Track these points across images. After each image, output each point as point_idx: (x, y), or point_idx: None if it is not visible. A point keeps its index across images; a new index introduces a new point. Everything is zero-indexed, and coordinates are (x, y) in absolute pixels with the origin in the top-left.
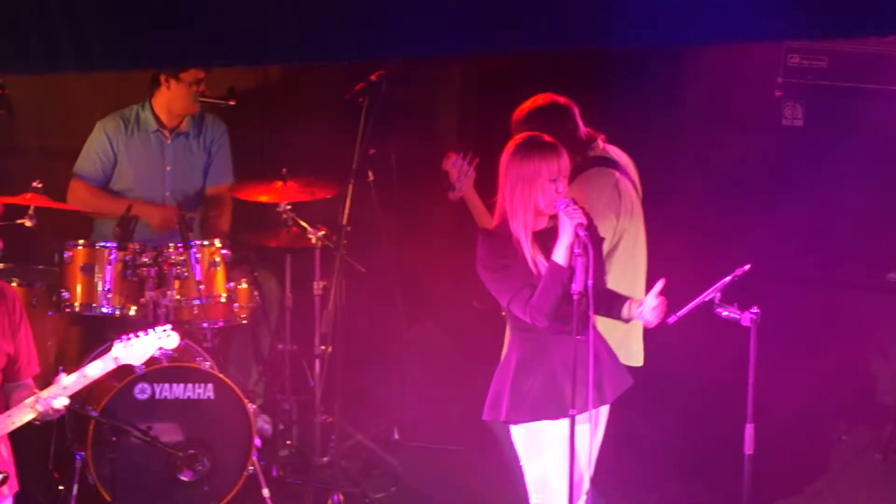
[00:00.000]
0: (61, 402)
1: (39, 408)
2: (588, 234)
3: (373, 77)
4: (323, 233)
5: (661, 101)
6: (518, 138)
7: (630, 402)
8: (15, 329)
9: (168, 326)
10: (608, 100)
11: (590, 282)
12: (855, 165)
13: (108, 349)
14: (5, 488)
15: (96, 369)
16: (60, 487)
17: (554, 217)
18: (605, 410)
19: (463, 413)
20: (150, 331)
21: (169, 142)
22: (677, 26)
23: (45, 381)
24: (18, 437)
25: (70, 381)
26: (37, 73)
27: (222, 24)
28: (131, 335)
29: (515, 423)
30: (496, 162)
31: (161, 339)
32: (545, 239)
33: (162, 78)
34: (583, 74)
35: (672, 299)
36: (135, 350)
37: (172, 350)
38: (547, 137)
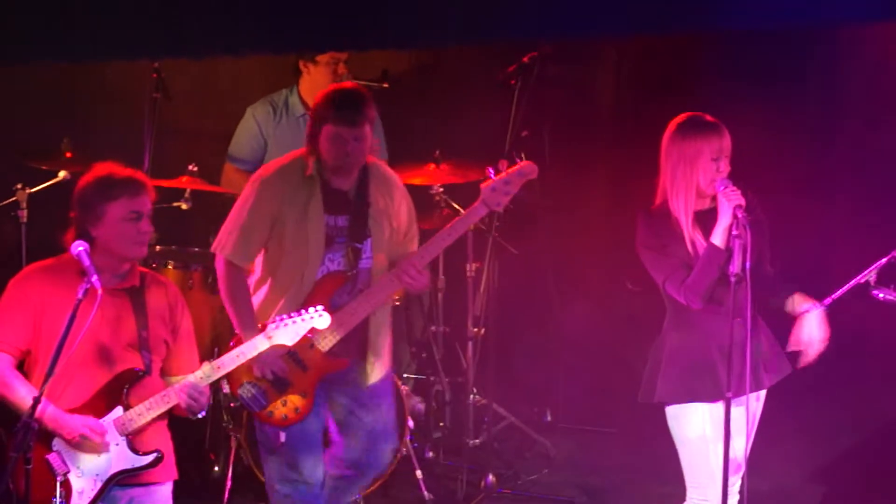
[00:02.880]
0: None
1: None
2: (748, 216)
3: (525, 59)
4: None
5: (817, 83)
6: (679, 118)
7: (789, 386)
8: (176, 325)
9: (321, 307)
10: (762, 80)
11: (748, 264)
12: None
13: (263, 329)
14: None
15: (251, 349)
16: (216, 469)
17: (715, 198)
18: (761, 395)
19: (616, 395)
20: (302, 311)
21: None
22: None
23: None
24: (174, 419)
25: (225, 361)
26: (192, 57)
27: (374, 5)
28: (284, 315)
29: (669, 404)
30: (651, 141)
31: (314, 320)
32: (705, 220)
33: (300, 64)
34: (735, 53)
35: (828, 281)
36: (288, 330)
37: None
38: (709, 117)
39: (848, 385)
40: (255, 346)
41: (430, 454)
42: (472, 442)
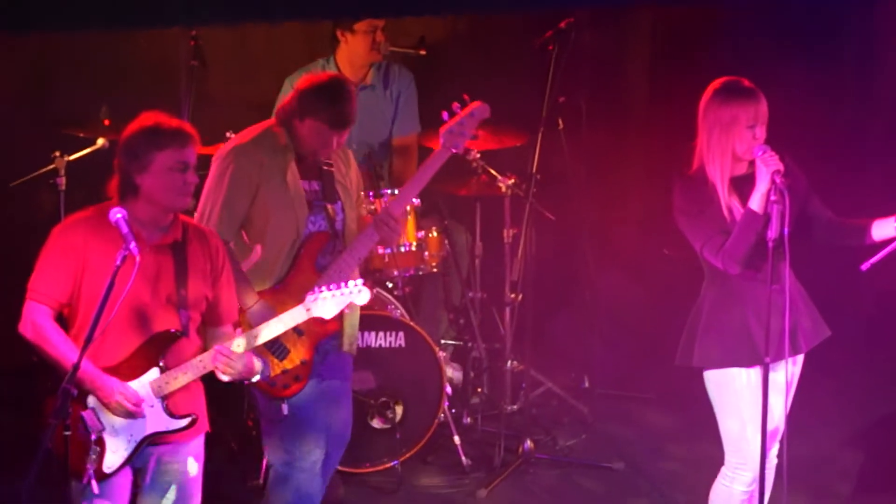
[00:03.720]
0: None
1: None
2: (786, 180)
3: (562, 24)
4: (513, 181)
5: (854, 48)
6: (716, 83)
7: (826, 350)
8: (217, 275)
9: (360, 281)
10: (798, 43)
11: (786, 230)
12: None
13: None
14: (193, 431)
15: (290, 320)
16: (253, 433)
17: (752, 163)
18: (799, 360)
19: (653, 361)
20: (342, 285)
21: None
22: None
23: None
24: (217, 388)
25: (263, 331)
26: (227, 24)
27: None
28: (324, 287)
29: (707, 368)
30: (688, 107)
31: (353, 295)
32: (742, 185)
33: (338, 33)
34: (771, 17)
35: (863, 248)
36: (326, 304)
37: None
38: (746, 82)
39: (885, 349)
40: (294, 317)
41: (468, 420)
42: (509, 408)
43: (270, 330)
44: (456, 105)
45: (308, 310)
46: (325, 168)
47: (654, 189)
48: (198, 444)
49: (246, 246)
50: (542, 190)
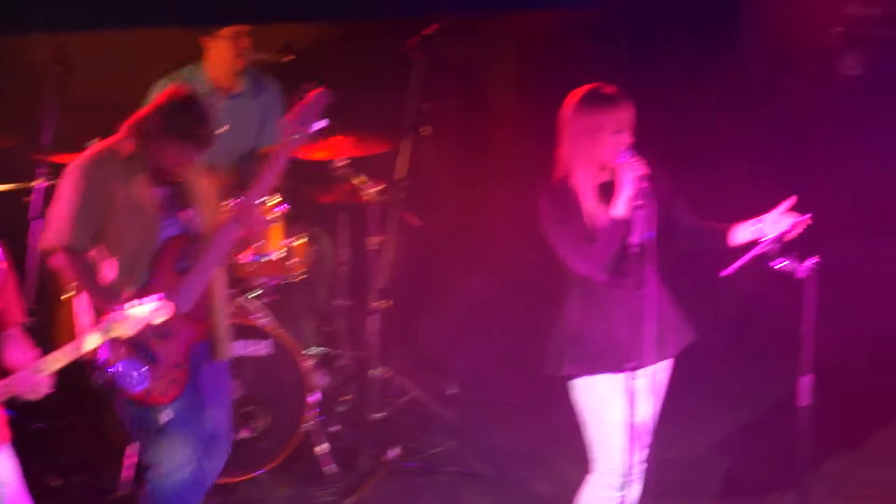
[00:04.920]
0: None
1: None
2: (650, 185)
3: (428, 31)
4: (379, 188)
5: (718, 51)
6: (580, 90)
7: (691, 355)
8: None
9: (155, 297)
10: (662, 48)
11: (650, 234)
12: None
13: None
14: None
15: (84, 344)
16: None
17: (617, 170)
18: (665, 365)
19: (521, 366)
20: (137, 302)
21: (222, 103)
22: None
23: None
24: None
25: (58, 355)
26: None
27: None
28: (121, 306)
29: (575, 376)
30: (555, 114)
31: (149, 312)
32: (608, 192)
33: (202, 39)
34: (633, 24)
35: (729, 252)
36: (125, 323)
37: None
38: (609, 89)
39: (747, 355)
40: (89, 341)
41: (335, 428)
42: (376, 416)
43: (66, 355)
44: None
45: (104, 331)
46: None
47: (521, 195)
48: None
49: (105, 254)
50: (408, 196)
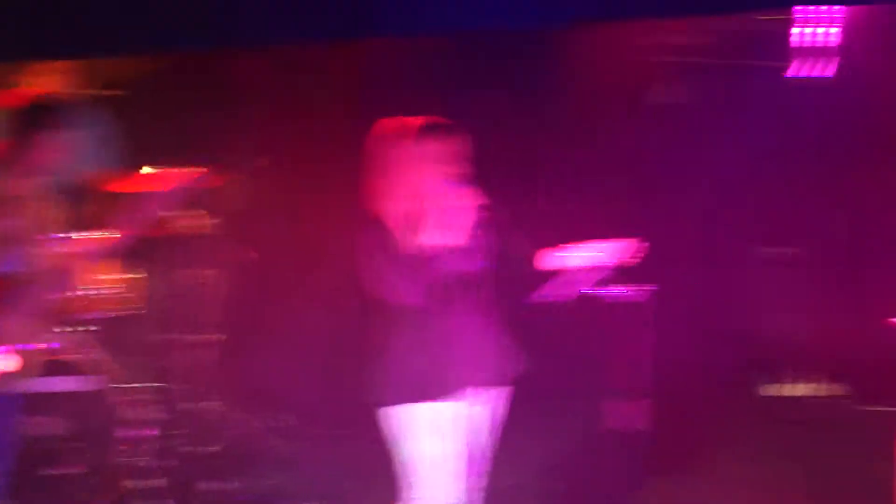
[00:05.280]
0: None
1: None
2: (479, 215)
3: (263, 64)
4: (210, 221)
5: (547, 83)
6: (404, 122)
7: (524, 382)
8: None
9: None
10: (492, 83)
11: (479, 262)
12: (732, 140)
13: None
14: None
15: None
16: None
17: (443, 199)
18: (494, 393)
19: (352, 397)
20: None
21: None
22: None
23: None
24: None
25: None
26: None
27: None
28: None
29: (397, 405)
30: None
31: None
32: (434, 221)
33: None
34: (459, 56)
35: (562, 280)
36: None
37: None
38: (435, 120)
39: (579, 380)
40: None
41: (167, 461)
42: (209, 449)
43: None
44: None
45: None
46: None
47: (343, 225)
48: None
49: None
50: (242, 229)
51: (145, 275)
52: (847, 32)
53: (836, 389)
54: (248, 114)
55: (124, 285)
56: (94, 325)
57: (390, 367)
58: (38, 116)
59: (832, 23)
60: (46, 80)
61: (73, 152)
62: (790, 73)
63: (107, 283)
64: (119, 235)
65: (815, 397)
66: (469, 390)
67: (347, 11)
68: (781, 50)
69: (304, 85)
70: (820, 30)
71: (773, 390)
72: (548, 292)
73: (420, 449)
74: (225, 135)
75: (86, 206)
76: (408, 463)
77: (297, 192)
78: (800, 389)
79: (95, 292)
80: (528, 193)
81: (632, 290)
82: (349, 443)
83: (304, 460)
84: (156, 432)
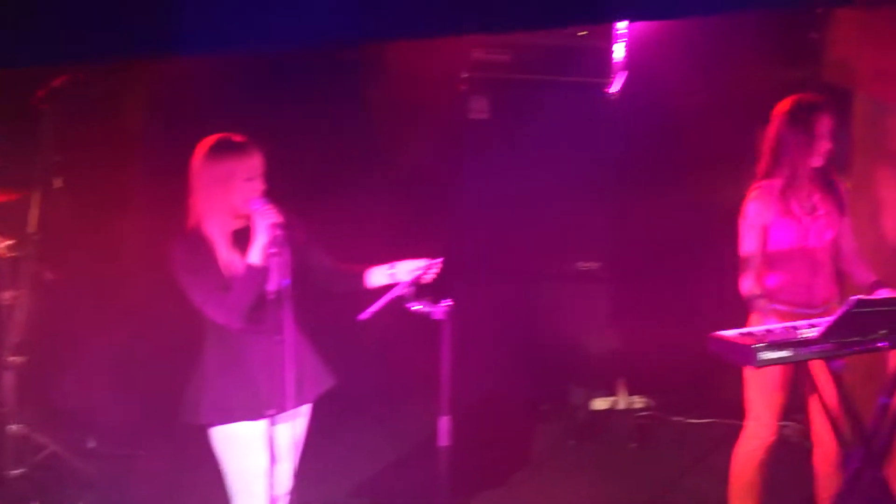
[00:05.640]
0: None
1: None
2: (284, 232)
3: (56, 83)
4: (9, 242)
5: (350, 99)
6: (210, 139)
7: (332, 400)
8: None
9: None
10: (293, 100)
11: (286, 280)
12: (541, 156)
13: None
14: None
15: None
16: None
17: (250, 217)
18: (305, 410)
19: (161, 417)
20: None
21: None
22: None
23: None
24: None
25: None
26: None
27: None
28: None
29: (214, 425)
30: (187, 163)
31: None
32: (242, 239)
33: None
34: (266, 73)
35: (366, 297)
36: None
37: None
38: (239, 137)
39: (387, 397)
40: None
41: None
42: (14, 472)
43: None
44: None
45: None
46: None
47: (156, 244)
48: None
49: None
50: (41, 250)
51: None
52: (661, 48)
53: (653, 403)
54: (50, 131)
55: None
56: None
57: (206, 384)
58: None
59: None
60: None
61: None
62: (607, 88)
63: None
64: None
65: (631, 410)
66: (280, 408)
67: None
68: (600, 66)
69: (107, 102)
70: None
71: (587, 404)
72: (354, 308)
73: (235, 467)
74: (24, 153)
75: None
76: (228, 481)
77: (100, 209)
78: (616, 403)
79: None
80: (334, 210)
81: (439, 307)
82: (159, 463)
83: (110, 483)
84: None
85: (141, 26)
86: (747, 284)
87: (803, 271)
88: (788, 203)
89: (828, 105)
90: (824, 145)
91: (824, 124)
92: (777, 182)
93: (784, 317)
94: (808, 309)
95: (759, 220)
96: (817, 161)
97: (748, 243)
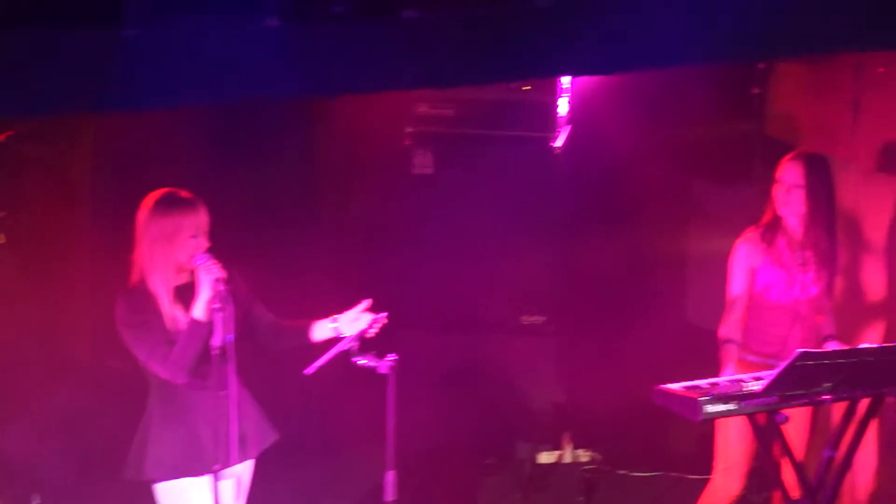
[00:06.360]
0: None
1: None
2: (228, 287)
3: (0, 138)
4: None
5: (295, 155)
6: (155, 194)
7: (277, 454)
8: None
9: None
10: (239, 156)
11: (230, 336)
12: (486, 211)
13: None
14: None
15: None
16: None
17: (194, 272)
18: (249, 465)
19: (107, 474)
20: None
21: None
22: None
23: None
24: None
25: None
26: None
27: None
28: None
29: (158, 481)
30: (131, 219)
31: None
32: (186, 294)
33: None
34: (207, 132)
35: (311, 351)
36: None
37: None
38: (184, 193)
39: (333, 451)
40: None
41: None
42: None
43: None
44: None
45: None
46: None
47: (100, 300)
48: None
49: None
50: None
51: None
52: (605, 102)
53: (598, 456)
54: None
55: None
56: None
57: (150, 440)
58: None
59: (590, 93)
60: None
61: None
62: (551, 142)
63: None
64: None
65: (577, 464)
66: (224, 463)
67: (91, 84)
68: (544, 120)
69: (51, 157)
70: (576, 100)
71: (533, 458)
72: (299, 362)
73: None
74: None
75: None
76: None
77: (44, 264)
78: (562, 457)
79: None
80: (278, 265)
81: (384, 361)
82: None
83: None
84: None
85: (83, 79)
86: (725, 328)
87: (781, 322)
88: (779, 251)
89: (800, 156)
90: (783, 193)
91: (784, 172)
92: (763, 225)
93: (753, 367)
94: (778, 361)
95: (747, 261)
96: (783, 210)
97: (735, 285)
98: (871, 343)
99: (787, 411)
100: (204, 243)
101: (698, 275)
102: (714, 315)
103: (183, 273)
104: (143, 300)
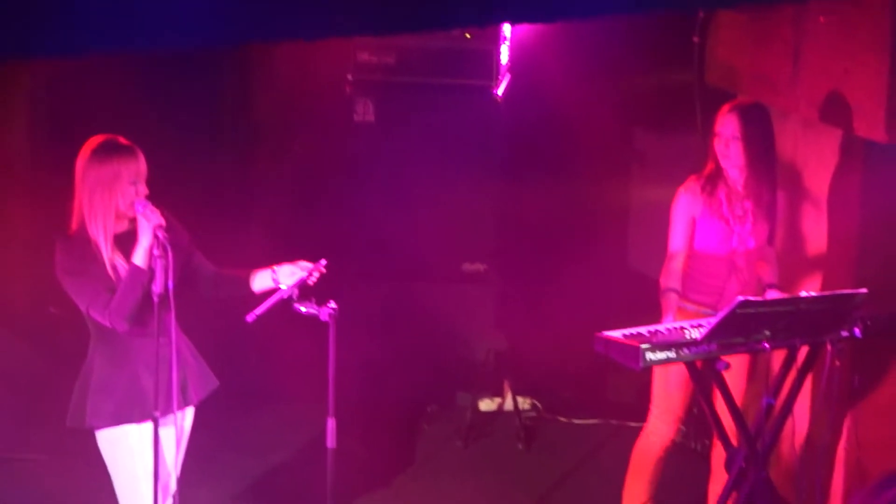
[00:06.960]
0: None
1: None
2: (168, 235)
3: None
4: None
5: (233, 102)
6: (93, 141)
7: (218, 401)
8: None
9: None
10: (176, 103)
11: (170, 283)
12: (426, 159)
13: None
14: None
15: None
16: None
17: (134, 220)
18: (190, 412)
19: (44, 421)
20: None
21: None
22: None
23: None
24: None
25: None
26: None
27: None
28: None
29: (99, 428)
30: (72, 165)
31: None
32: (126, 242)
33: None
34: (147, 78)
35: (252, 300)
36: None
37: None
38: (123, 140)
39: (275, 399)
40: None
41: None
42: None
43: None
44: None
45: None
46: None
47: (39, 246)
48: None
49: None
50: None
51: None
52: (545, 50)
53: (539, 404)
54: None
55: None
56: None
57: (91, 388)
58: None
59: (531, 41)
60: None
61: None
62: (492, 90)
63: None
64: None
65: (518, 412)
66: (165, 410)
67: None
68: (485, 68)
69: None
70: (516, 47)
71: (474, 405)
72: (239, 310)
73: (121, 469)
74: None
75: None
76: (115, 484)
77: None
78: (503, 404)
79: None
80: (218, 213)
81: (325, 309)
82: (42, 466)
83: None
84: None
85: (16, 25)
86: (666, 276)
87: (718, 273)
88: (719, 202)
89: (736, 108)
90: (721, 146)
91: (721, 125)
92: (704, 176)
93: (690, 316)
94: (715, 311)
95: (688, 211)
96: (723, 162)
97: (676, 234)
98: (810, 292)
99: (726, 358)
100: (143, 190)
101: (639, 222)
102: (655, 263)
103: (122, 220)
104: (83, 247)
